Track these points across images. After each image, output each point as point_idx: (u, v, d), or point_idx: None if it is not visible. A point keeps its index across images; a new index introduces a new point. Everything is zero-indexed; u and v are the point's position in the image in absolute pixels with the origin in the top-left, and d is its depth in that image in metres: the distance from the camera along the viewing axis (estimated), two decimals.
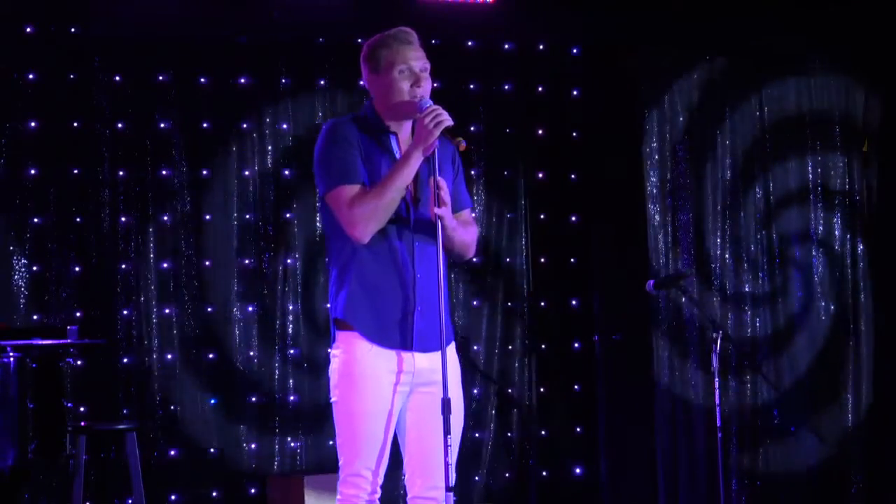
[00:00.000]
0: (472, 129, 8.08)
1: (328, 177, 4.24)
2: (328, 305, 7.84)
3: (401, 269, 4.23)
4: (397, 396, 4.23)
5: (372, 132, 4.30)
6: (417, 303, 4.22)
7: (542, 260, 8.40)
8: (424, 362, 4.24)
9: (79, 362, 7.29)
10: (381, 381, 4.21)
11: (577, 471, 8.31)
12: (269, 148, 7.89)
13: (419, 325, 4.22)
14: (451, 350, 4.33)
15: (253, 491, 7.71)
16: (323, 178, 4.26)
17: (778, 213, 8.43)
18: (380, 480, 4.25)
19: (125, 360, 7.57)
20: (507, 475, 8.19)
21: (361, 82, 7.91)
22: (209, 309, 7.74)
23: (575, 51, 8.42)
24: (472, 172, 8.12)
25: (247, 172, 7.85)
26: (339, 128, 4.28)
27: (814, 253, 8.45)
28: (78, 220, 7.55)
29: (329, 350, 7.79)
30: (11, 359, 6.17)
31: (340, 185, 4.21)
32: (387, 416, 4.20)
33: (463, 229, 4.33)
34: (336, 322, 4.29)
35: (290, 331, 7.85)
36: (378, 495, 4.26)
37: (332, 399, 4.27)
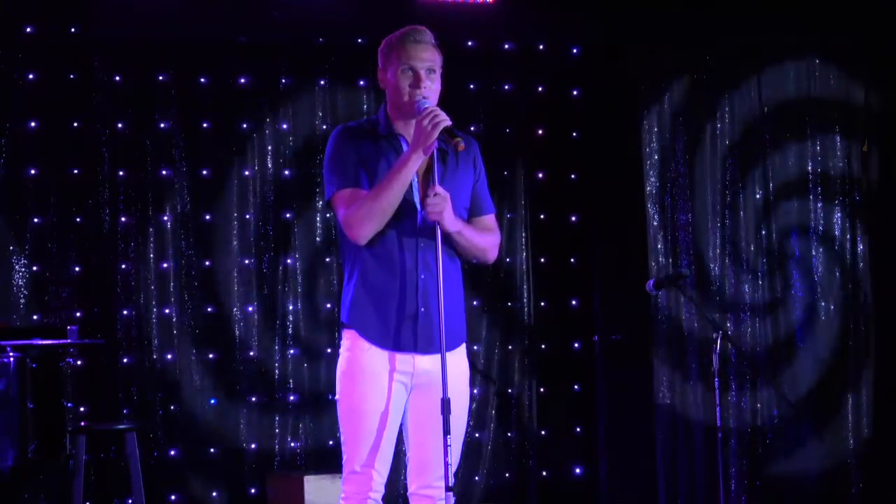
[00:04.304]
0: (472, 129, 8.07)
1: (330, 181, 4.30)
2: (328, 305, 7.92)
3: (405, 270, 4.25)
4: (398, 396, 4.26)
5: (380, 135, 4.32)
6: (420, 304, 4.24)
7: (542, 260, 8.40)
8: (426, 363, 4.26)
9: (79, 362, 7.30)
10: (382, 380, 4.23)
11: (577, 471, 8.32)
12: (269, 148, 7.90)
13: (422, 327, 4.24)
14: (460, 352, 4.36)
15: (253, 491, 7.71)
16: (327, 182, 4.33)
17: (777, 212, 8.42)
18: (383, 478, 4.27)
19: (125, 360, 7.57)
20: (507, 475, 8.20)
21: (362, 82, 7.99)
22: (209, 309, 7.74)
23: (575, 51, 8.42)
24: None
25: (247, 172, 7.86)
26: (343, 133, 4.35)
27: (813, 252, 8.45)
28: (78, 220, 7.55)
29: (329, 350, 7.82)
30: (11, 359, 6.17)
31: (340, 189, 4.26)
32: (388, 415, 4.23)
33: (477, 234, 4.34)
34: (342, 322, 4.33)
35: (290, 331, 7.85)
36: (381, 493, 4.28)
37: (336, 397, 4.32)
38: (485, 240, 4.39)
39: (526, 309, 8.34)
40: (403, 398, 4.28)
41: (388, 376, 4.23)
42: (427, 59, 4.27)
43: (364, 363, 4.24)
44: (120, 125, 7.63)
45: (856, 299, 8.48)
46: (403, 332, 4.23)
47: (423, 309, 4.24)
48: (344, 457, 4.28)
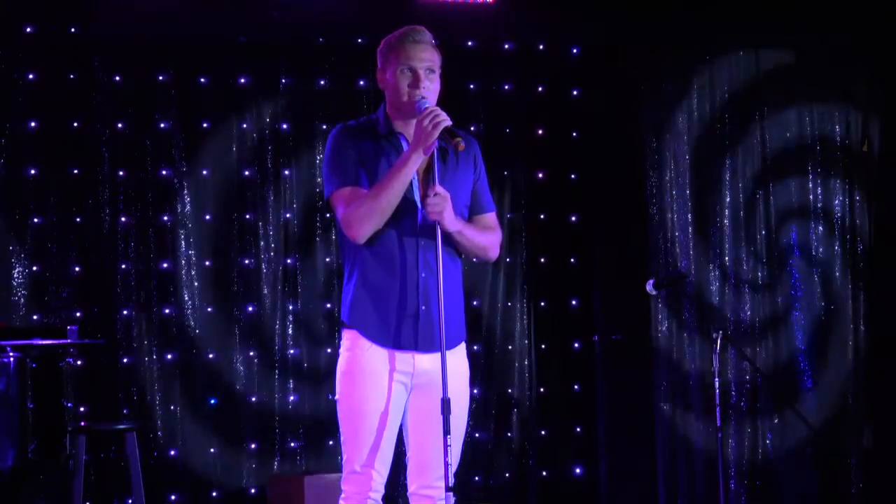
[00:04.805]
0: (472, 129, 8.07)
1: (330, 180, 4.29)
2: (328, 305, 7.92)
3: (405, 269, 4.24)
4: (398, 395, 4.25)
5: (379, 134, 4.31)
6: (421, 303, 4.24)
7: (542, 260, 8.40)
8: (426, 362, 4.25)
9: (79, 362, 7.30)
10: (382, 380, 4.23)
11: (577, 471, 8.32)
12: (269, 148, 7.90)
13: (423, 326, 4.24)
14: (460, 351, 4.35)
15: (253, 491, 7.71)
16: (326, 181, 4.32)
17: (778, 212, 8.42)
18: (383, 478, 4.27)
19: (125, 360, 7.58)
20: (507, 475, 8.20)
21: (362, 82, 7.99)
22: (209, 309, 7.74)
23: (575, 51, 8.42)
24: None
25: (247, 172, 7.86)
26: (343, 132, 4.34)
27: (814, 253, 8.45)
28: (78, 220, 7.55)
29: (329, 350, 7.81)
30: (11, 359, 6.17)
31: (339, 187, 4.26)
32: (388, 415, 4.22)
33: (478, 233, 4.34)
34: (342, 321, 4.33)
35: (289, 331, 7.85)
36: (381, 493, 4.28)
37: (336, 397, 4.31)
38: (486, 238, 4.38)
39: (526, 309, 8.33)
40: (403, 398, 4.28)
41: (388, 376, 4.23)
42: (426, 59, 4.27)
43: (364, 363, 4.24)
44: (120, 125, 7.63)
45: (855, 300, 8.48)
46: (404, 331, 4.23)
47: (423, 307, 4.23)
48: (344, 457, 4.27)
